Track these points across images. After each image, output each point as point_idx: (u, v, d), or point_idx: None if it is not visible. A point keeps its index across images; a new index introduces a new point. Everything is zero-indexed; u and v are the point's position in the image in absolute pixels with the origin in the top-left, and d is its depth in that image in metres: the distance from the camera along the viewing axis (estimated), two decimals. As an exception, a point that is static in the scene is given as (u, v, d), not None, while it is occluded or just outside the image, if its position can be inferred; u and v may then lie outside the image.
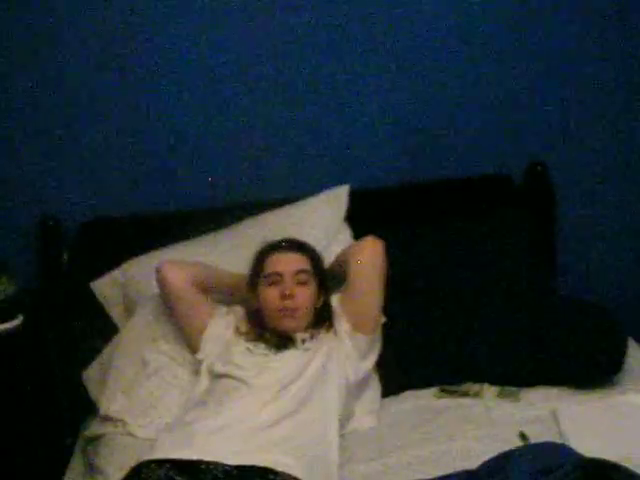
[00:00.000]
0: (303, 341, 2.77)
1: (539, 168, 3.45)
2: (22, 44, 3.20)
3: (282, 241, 2.93)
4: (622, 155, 3.60)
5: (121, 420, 2.82)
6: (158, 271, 2.90)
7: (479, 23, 3.39)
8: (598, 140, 3.57)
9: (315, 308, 2.86)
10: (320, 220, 3.23)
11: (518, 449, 2.39)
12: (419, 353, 2.96)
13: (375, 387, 2.90)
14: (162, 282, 2.90)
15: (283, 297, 2.79)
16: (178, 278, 2.87)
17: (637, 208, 3.66)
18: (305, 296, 2.82)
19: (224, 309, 2.96)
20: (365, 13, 3.33)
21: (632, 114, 3.56)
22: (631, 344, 2.95)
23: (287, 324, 2.79)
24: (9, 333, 3.00)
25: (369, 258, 2.84)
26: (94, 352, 3.09)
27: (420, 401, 2.87)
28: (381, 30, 3.35)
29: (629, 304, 3.64)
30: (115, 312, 3.22)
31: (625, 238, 3.69)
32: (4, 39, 3.19)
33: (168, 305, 2.95)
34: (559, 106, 3.51)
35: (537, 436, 2.55)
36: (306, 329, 2.81)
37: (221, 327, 2.88)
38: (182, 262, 2.93)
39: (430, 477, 2.37)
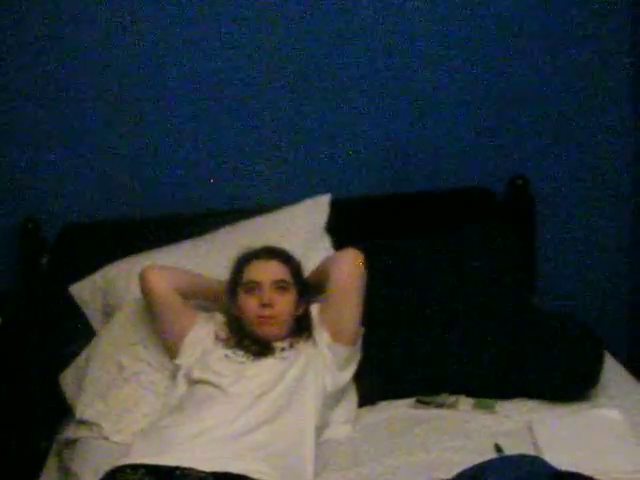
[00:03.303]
0: (282, 349, 2.77)
1: (520, 182, 3.46)
2: (14, 49, 3.21)
3: (261, 249, 2.93)
4: (602, 170, 3.62)
5: (97, 424, 2.81)
6: (141, 275, 2.89)
7: (463, 40, 3.42)
8: (579, 154, 3.59)
9: (295, 317, 2.86)
10: (301, 229, 3.23)
11: (493, 461, 2.40)
12: (396, 363, 2.95)
13: (352, 396, 2.89)
14: (145, 286, 2.89)
15: (262, 305, 2.79)
16: (161, 283, 2.86)
17: (616, 222, 3.68)
18: (284, 304, 2.82)
19: (204, 315, 2.96)
20: (351, 27, 3.36)
21: (613, 129, 3.58)
22: (608, 358, 2.95)
23: (266, 331, 2.79)
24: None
25: (349, 270, 2.83)
26: (71, 355, 3.08)
27: (396, 411, 2.87)
28: (367, 44, 3.38)
29: (607, 318, 3.68)
30: (93, 316, 3.21)
31: (604, 252, 3.71)
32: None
33: (149, 309, 2.94)
34: (541, 121, 3.53)
35: (512, 448, 2.54)
36: (285, 338, 2.81)
37: (201, 333, 2.87)
38: (165, 267, 2.93)
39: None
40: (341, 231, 3.26)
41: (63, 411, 3.01)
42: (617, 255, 3.72)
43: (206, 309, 3.00)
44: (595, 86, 3.53)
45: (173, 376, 2.85)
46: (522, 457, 2.42)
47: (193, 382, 2.73)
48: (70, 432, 2.87)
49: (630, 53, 3.50)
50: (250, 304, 2.82)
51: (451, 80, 3.45)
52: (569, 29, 3.46)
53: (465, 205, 3.48)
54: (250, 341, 2.80)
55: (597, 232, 3.69)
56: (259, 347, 2.78)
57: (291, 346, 2.79)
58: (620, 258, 3.73)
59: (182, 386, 2.77)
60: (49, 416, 3.11)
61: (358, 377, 2.90)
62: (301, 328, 2.86)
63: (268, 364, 2.72)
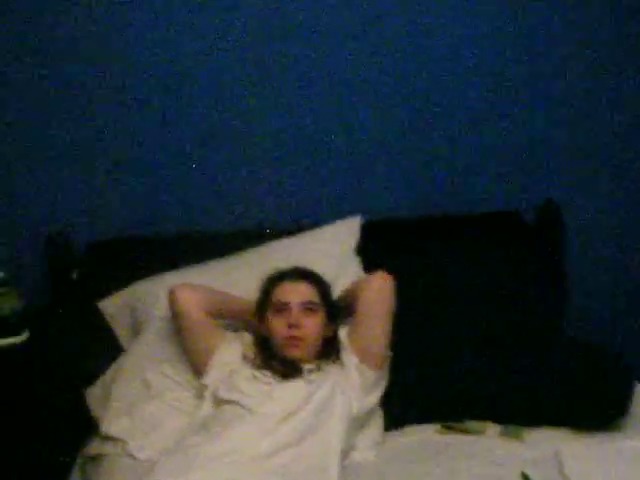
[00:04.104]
0: (309, 371, 2.76)
1: (551, 207, 3.45)
2: (36, 66, 3.25)
3: (291, 270, 2.93)
4: (635, 197, 3.60)
5: (122, 440, 2.81)
6: (171, 293, 2.90)
7: (497, 65, 3.43)
8: (612, 181, 3.58)
9: (323, 339, 2.86)
10: (331, 251, 3.23)
11: (520, 489, 2.39)
12: (423, 388, 2.94)
13: (378, 420, 2.88)
14: (174, 304, 2.90)
15: (290, 326, 2.79)
16: (190, 301, 2.87)
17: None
18: (312, 325, 2.82)
19: (233, 335, 2.96)
20: (383, 52, 3.37)
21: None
22: (638, 388, 2.93)
23: (293, 353, 2.79)
24: (15, 348, 2.99)
25: (378, 293, 2.84)
26: (98, 371, 3.09)
27: (422, 436, 2.85)
28: (397, 70, 3.38)
29: (637, 347, 3.63)
30: (121, 332, 3.22)
31: (634, 280, 3.68)
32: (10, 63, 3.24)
33: (178, 328, 2.95)
34: (574, 146, 3.53)
35: (539, 477, 2.52)
36: (313, 359, 2.81)
37: (229, 353, 2.88)
38: (195, 286, 2.93)
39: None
40: (371, 253, 3.26)
41: (88, 426, 3.01)
42: (648, 283, 3.70)
43: (234, 328, 3.00)
44: (632, 112, 3.51)
45: (199, 394, 2.85)
46: (550, 486, 2.40)
47: (219, 402, 2.72)
48: (95, 448, 2.88)
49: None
50: (278, 325, 2.81)
51: (484, 102, 3.45)
52: (605, 52, 3.46)
53: (496, 229, 3.46)
54: (278, 362, 2.80)
55: (628, 259, 3.67)
56: (286, 368, 2.77)
57: (319, 368, 2.78)
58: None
59: (208, 405, 2.76)
60: (73, 431, 3.11)
61: (385, 401, 2.89)
62: (329, 350, 2.85)
63: (295, 386, 2.71)
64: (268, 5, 3.29)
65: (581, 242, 3.58)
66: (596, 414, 2.83)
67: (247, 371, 2.78)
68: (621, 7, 3.45)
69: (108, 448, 2.83)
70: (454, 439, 2.82)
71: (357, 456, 2.74)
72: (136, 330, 3.16)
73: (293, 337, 2.79)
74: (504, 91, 3.44)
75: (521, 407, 2.88)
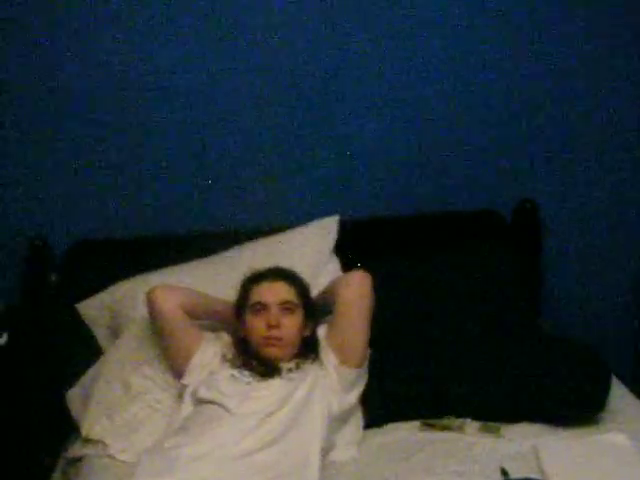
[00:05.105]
0: (288, 370, 2.77)
1: (528, 205, 3.46)
2: (17, 67, 3.23)
3: (269, 270, 2.93)
4: (610, 194, 3.62)
5: (102, 442, 2.81)
6: (149, 295, 2.89)
7: (473, 62, 3.42)
8: (588, 178, 3.59)
9: (302, 338, 2.86)
10: (309, 250, 3.24)
11: (498, 485, 2.40)
12: (402, 386, 2.95)
13: (358, 419, 2.89)
14: (152, 306, 2.89)
15: (268, 326, 2.79)
16: (168, 303, 2.86)
17: (623, 246, 3.68)
18: (291, 325, 2.82)
19: (211, 335, 2.96)
20: (361, 45, 3.36)
21: (623, 153, 3.59)
22: (614, 383, 2.95)
23: (272, 352, 2.79)
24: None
25: (356, 292, 2.84)
26: (78, 373, 3.08)
27: (402, 434, 2.86)
28: (377, 64, 3.38)
29: (614, 342, 3.66)
30: (100, 334, 3.22)
31: (610, 276, 3.70)
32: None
33: (156, 329, 2.95)
34: (550, 144, 3.54)
35: (518, 472, 2.54)
36: (292, 359, 2.81)
37: (208, 354, 2.87)
38: (173, 287, 2.93)
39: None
40: (349, 252, 3.27)
41: (69, 429, 3.01)
42: (624, 279, 3.72)
43: (213, 329, 3.00)
44: (607, 110, 3.53)
45: (179, 395, 2.85)
46: (528, 481, 2.42)
47: (199, 402, 2.73)
48: (75, 450, 2.87)
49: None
50: (257, 325, 2.82)
51: (461, 102, 3.45)
52: (581, 49, 3.46)
53: (473, 227, 3.48)
54: (257, 362, 2.80)
55: (604, 256, 3.68)
56: (265, 368, 2.77)
57: (298, 367, 2.79)
58: (627, 282, 3.72)
59: (188, 406, 2.76)
60: (54, 433, 3.10)
61: (364, 399, 2.89)
62: (308, 349, 2.85)
63: (274, 385, 2.71)
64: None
65: (558, 241, 3.59)
66: (573, 409, 2.84)
67: (226, 371, 2.79)
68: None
69: (89, 450, 2.83)
70: (433, 436, 2.83)
71: (337, 454, 2.75)
72: (115, 332, 3.16)
73: (272, 337, 2.79)
74: (481, 90, 3.45)
75: (499, 403, 2.89)
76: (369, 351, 2.89)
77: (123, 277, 3.23)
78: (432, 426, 2.88)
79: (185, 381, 2.83)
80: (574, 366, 2.93)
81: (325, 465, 2.64)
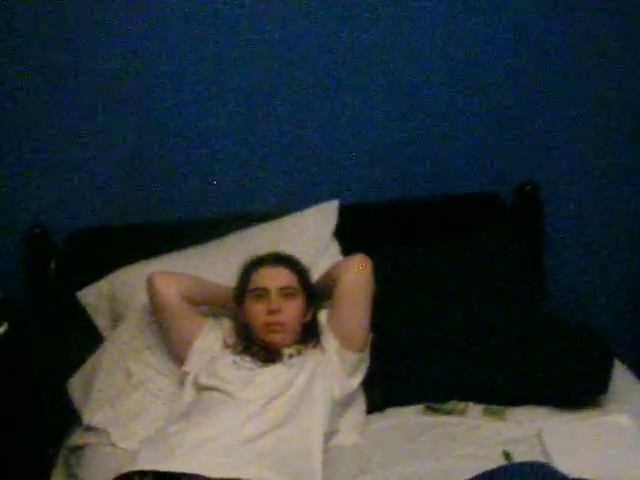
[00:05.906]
0: (290, 356, 2.76)
1: (529, 187, 3.45)
2: (17, 53, 3.21)
3: (269, 255, 2.93)
4: (611, 175, 3.61)
5: (104, 430, 2.81)
6: (149, 281, 2.88)
7: (470, 47, 3.40)
8: (589, 160, 3.58)
9: (303, 323, 2.86)
10: (309, 235, 3.23)
11: (502, 468, 2.38)
12: (405, 370, 2.94)
13: (360, 403, 2.89)
14: (152, 293, 2.88)
15: (269, 312, 2.78)
16: (169, 289, 2.86)
17: (625, 228, 3.67)
18: (291, 310, 2.81)
19: (212, 321, 2.95)
20: (358, 36, 3.34)
21: (624, 134, 3.57)
22: (617, 365, 2.95)
23: (274, 338, 2.79)
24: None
25: (357, 275, 2.83)
26: (79, 361, 3.08)
27: (405, 418, 2.86)
28: (373, 52, 3.36)
29: (616, 324, 3.66)
30: (101, 322, 3.21)
31: (612, 258, 3.70)
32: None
33: (157, 316, 2.94)
34: (551, 126, 3.52)
35: (521, 455, 2.54)
36: (293, 344, 2.81)
37: (209, 340, 2.87)
38: (173, 273, 2.92)
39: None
40: (349, 237, 3.26)
41: (71, 417, 3.01)
42: (628, 261, 3.71)
43: (214, 315, 2.99)
44: (608, 90, 3.51)
45: (181, 382, 2.84)
46: (531, 464, 2.41)
47: (201, 388, 2.72)
48: (77, 438, 2.87)
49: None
50: (257, 311, 2.81)
51: (460, 85, 3.44)
52: (581, 34, 3.45)
53: (474, 211, 3.47)
54: (258, 347, 2.80)
55: (607, 238, 3.68)
56: (267, 353, 2.77)
57: (299, 352, 2.78)
58: (630, 264, 3.72)
59: (190, 392, 2.76)
60: (57, 422, 3.10)
61: (367, 384, 2.89)
62: (309, 334, 2.85)
63: (276, 371, 2.71)
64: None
65: (560, 223, 3.58)
66: (576, 391, 2.84)
67: (228, 357, 2.78)
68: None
69: (91, 439, 2.82)
70: (436, 420, 2.83)
71: (340, 439, 2.75)
72: (116, 319, 3.15)
73: (273, 323, 2.78)
74: (481, 72, 3.43)
75: (502, 386, 2.89)
76: (371, 335, 2.88)
77: (123, 265, 3.21)
78: (435, 410, 2.87)
79: (186, 368, 2.83)
80: (577, 349, 2.93)
81: (328, 450, 2.65)
